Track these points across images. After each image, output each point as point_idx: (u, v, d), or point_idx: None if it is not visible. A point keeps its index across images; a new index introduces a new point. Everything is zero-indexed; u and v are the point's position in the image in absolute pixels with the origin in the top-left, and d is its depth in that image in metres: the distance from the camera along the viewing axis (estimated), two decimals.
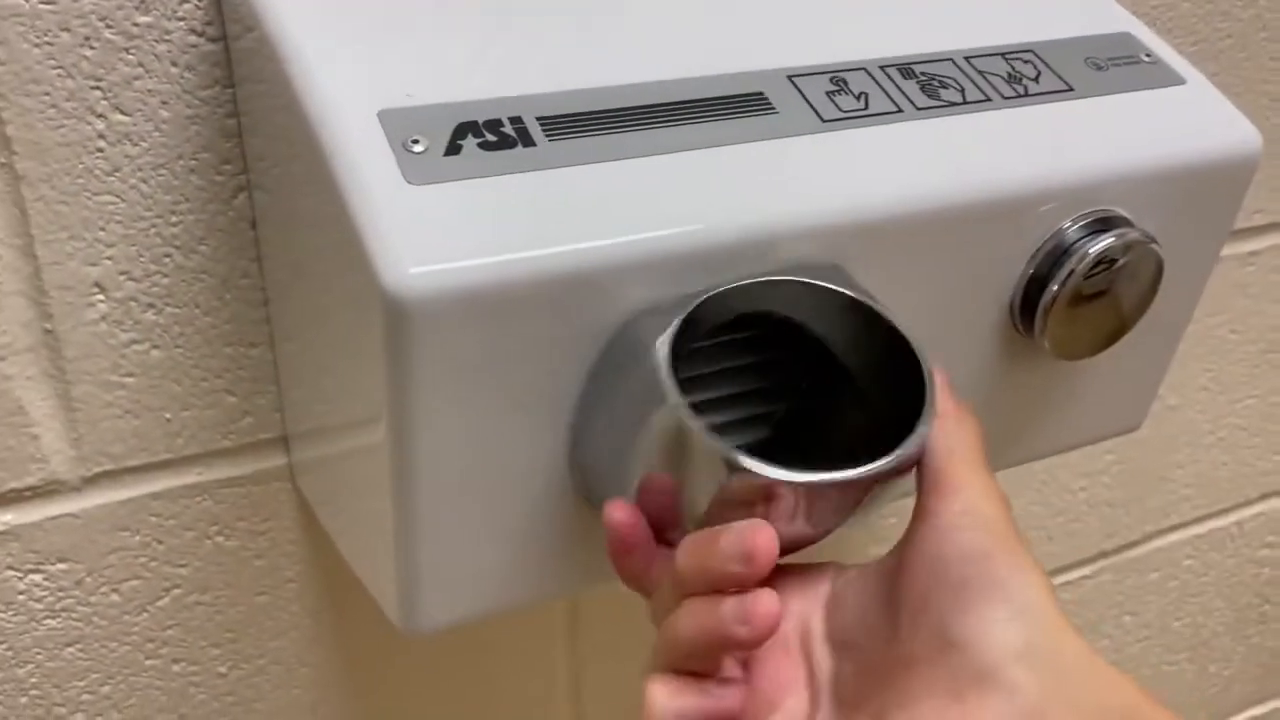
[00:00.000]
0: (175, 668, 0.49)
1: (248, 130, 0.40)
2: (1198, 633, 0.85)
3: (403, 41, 0.33)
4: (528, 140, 0.30)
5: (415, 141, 0.29)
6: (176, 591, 0.48)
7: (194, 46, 0.39)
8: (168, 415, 0.44)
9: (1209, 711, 0.91)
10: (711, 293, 0.31)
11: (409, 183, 0.28)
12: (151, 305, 0.42)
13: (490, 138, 0.30)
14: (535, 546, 0.33)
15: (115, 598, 0.47)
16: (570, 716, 0.60)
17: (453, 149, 0.30)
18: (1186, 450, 0.75)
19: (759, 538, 0.27)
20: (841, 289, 0.32)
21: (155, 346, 0.43)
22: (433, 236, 0.28)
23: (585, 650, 0.58)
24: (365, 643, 0.52)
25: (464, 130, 0.30)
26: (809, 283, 0.32)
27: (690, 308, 0.30)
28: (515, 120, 0.31)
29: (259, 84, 0.36)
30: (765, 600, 0.27)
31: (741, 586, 0.27)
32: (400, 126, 0.30)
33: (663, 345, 0.30)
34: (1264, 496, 0.81)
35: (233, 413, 0.45)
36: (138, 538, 0.46)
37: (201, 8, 0.39)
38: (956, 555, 0.27)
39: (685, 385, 0.34)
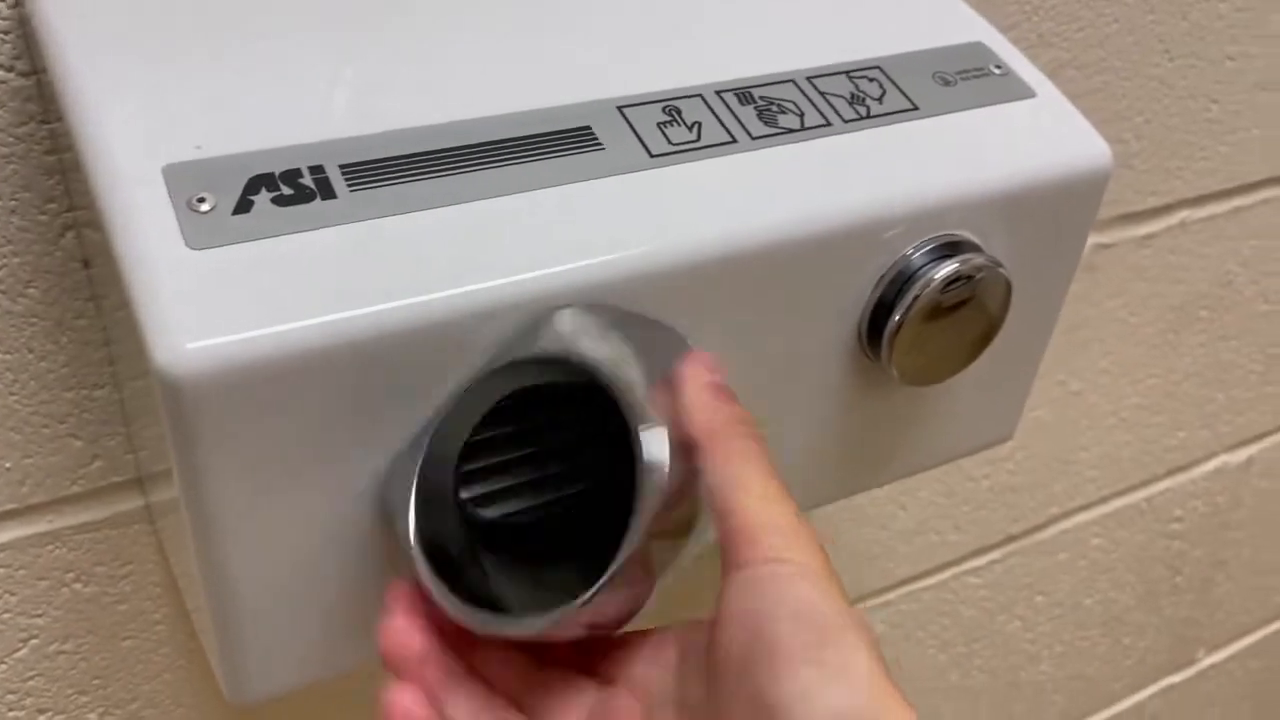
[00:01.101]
0: (41, 717, 0.48)
1: (71, 166, 0.38)
2: (1109, 608, 0.86)
3: (198, 86, 0.31)
4: (328, 192, 0.29)
5: (201, 200, 0.28)
6: (35, 642, 0.46)
7: (3, 83, 0.37)
8: (8, 464, 0.42)
9: (1125, 684, 0.92)
10: (443, 416, 0.28)
11: (190, 247, 0.27)
12: None
13: (286, 191, 0.29)
14: (363, 611, 0.31)
15: None
16: None
17: (243, 206, 0.28)
18: (1090, 433, 0.75)
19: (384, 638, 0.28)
20: (549, 355, 0.28)
21: None
22: (213, 306, 0.26)
23: None
24: None
25: (257, 184, 0.28)
26: (529, 360, 0.28)
27: (431, 434, 0.28)
28: (316, 170, 0.29)
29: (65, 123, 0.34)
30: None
31: None
32: (186, 183, 0.28)
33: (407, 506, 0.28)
34: (1170, 473, 0.82)
35: (81, 457, 0.43)
36: None
37: (9, 41, 0.37)
38: (770, 612, 0.25)
39: (497, 443, 0.32)
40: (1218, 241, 0.72)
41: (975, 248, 0.35)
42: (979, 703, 0.84)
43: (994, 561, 0.77)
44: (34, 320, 0.41)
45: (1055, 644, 0.85)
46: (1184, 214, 0.69)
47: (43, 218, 0.39)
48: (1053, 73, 0.57)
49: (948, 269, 0.34)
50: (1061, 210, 0.37)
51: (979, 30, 0.40)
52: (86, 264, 0.40)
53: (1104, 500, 0.79)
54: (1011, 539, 0.76)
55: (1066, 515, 0.78)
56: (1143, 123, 0.64)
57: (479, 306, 0.29)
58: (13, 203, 0.39)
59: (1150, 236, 0.69)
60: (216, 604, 0.29)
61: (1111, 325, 0.71)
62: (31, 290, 0.40)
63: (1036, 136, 0.36)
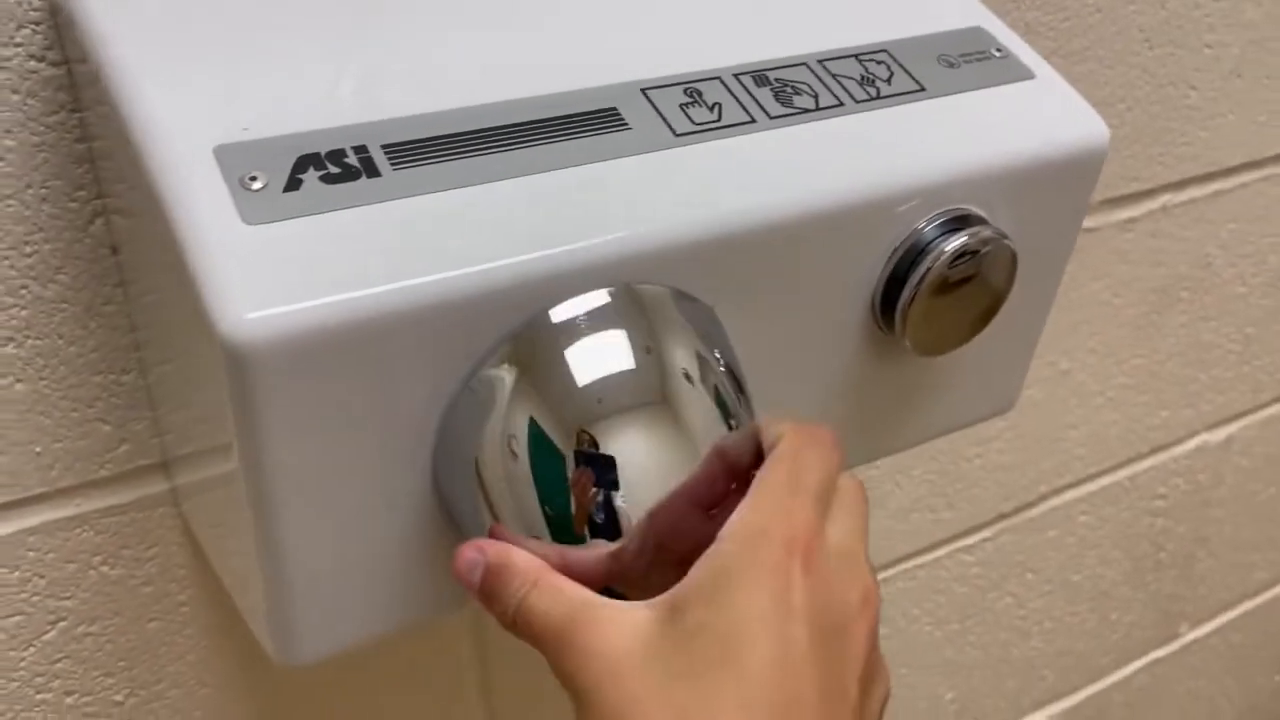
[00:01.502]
0: (69, 700, 0.49)
1: (100, 154, 0.39)
2: (1097, 584, 0.89)
3: (243, 71, 0.32)
4: (372, 170, 0.30)
5: (253, 178, 0.29)
6: (63, 624, 0.47)
7: (34, 73, 0.38)
8: (38, 449, 0.43)
9: (1113, 658, 0.95)
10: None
11: (246, 222, 0.28)
12: (11, 339, 0.41)
13: (333, 170, 0.30)
14: (406, 574, 0.33)
15: None
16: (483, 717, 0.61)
17: (293, 184, 0.29)
18: (1078, 412, 0.77)
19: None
20: None
21: (18, 380, 0.42)
22: (270, 278, 0.27)
23: (495, 656, 0.58)
24: (267, 661, 0.52)
25: (305, 163, 0.30)
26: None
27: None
28: (360, 150, 0.30)
29: (101, 110, 0.35)
30: None
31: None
32: (237, 162, 0.29)
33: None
34: (1153, 451, 0.84)
35: (108, 441, 0.44)
36: (17, 574, 0.45)
37: (40, 32, 0.37)
38: None
39: None
40: (1197, 225, 0.74)
41: (983, 221, 0.37)
42: (972, 678, 0.86)
43: (986, 539, 0.79)
44: (64, 306, 0.41)
45: (1045, 620, 0.87)
46: (1165, 198, 0.72)
47: (73, 205, 0.40)
48: None
49: (958, 241, 0.36)
50: (1062, 185, 0.38)
51: (978, 15, 0.41)
52: (115, 250, 0.41)
53: (1091, 478, 0.82)
54: (1003, 516, 0.78)
55: (1055, 493, 0.80)
56: (1125, 109, 0.66)
57: (519, 278, 0.30)
58: (44, 190, 0.40)
59: (1132, 220, 0.71)
60: (272, 568, 0.30)
61: (1096, 307, 0.73)
62: (61, 276, 0.41)
63: (1037, 115, 0.38)
